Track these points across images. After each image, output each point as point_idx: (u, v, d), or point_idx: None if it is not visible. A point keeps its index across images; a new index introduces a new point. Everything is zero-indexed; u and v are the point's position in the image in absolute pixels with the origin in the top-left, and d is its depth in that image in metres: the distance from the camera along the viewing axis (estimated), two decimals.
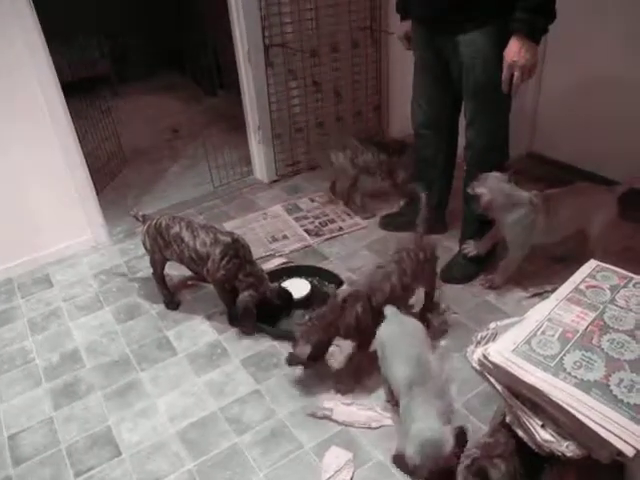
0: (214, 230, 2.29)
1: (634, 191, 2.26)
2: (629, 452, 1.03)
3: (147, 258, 2.45)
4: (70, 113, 2.73)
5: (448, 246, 2.70)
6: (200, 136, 4.10)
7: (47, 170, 2.73)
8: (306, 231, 2.97)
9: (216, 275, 2.24)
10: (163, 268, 2.45)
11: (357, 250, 2.78)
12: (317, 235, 2.93)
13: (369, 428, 1.85)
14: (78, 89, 3.30)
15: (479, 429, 1.73)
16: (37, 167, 2.69)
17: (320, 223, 3.03)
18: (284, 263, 2.70)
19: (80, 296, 2.62)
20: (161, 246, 2.32)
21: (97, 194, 2.99)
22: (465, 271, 2.51)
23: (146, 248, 2.40)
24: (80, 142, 2.85)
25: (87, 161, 2.90)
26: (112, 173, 3.70)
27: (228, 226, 3.02)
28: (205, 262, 2.24)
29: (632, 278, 1.43)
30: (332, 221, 3.05)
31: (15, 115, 2.55)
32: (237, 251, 2.22)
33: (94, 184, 2.95)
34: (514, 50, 1.97)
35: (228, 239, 2.24)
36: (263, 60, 3.16)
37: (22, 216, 2.74)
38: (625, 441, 1.04)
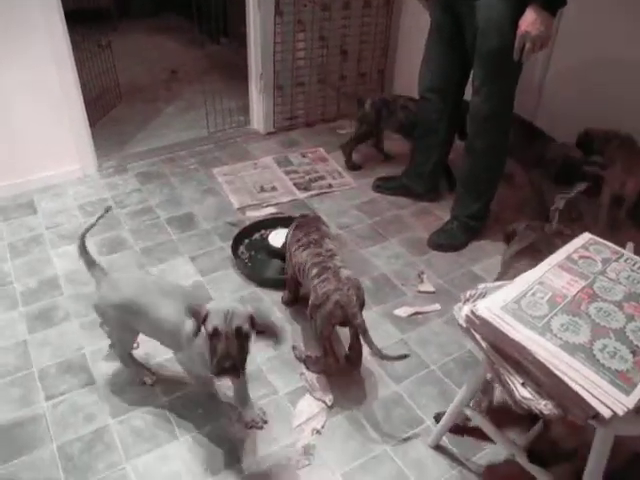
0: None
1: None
2: (606, 414, 1.03)
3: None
4: None
5: (439, 215, 2.70)
6: (198, 81, 4.01)
7: (40, 92, 2.64)
8: (295, 185, 2.94)
9: None
10: None
11: (347, 209, 2.75)
12: (306, 190, 2.90)
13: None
14: (77, 20, 3.18)
15: (455, 392, 1.74)
16: (30, 87, 2.60)
17: (310, 179, 3.00)
18: (274, 213, 2.67)
19: (63, 225, 2.57)
20: None
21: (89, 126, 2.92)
22: (453, 240, 2.50)
23: None
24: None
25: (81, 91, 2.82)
26: (106, 107, 3.61)
27: (218, 172, 3.01)
28: None
29: (624, 254, 1.43)
30: (322, 177, 3.01)
31: (10, 30, 2.46)
32: None
33: (87, 116, 2.88)
34: (529, 20, 1.94)
35: None
36: (273, 7, 3.08)
37: (10, 138, 2.66)
38: (603, 403, 1.04)
